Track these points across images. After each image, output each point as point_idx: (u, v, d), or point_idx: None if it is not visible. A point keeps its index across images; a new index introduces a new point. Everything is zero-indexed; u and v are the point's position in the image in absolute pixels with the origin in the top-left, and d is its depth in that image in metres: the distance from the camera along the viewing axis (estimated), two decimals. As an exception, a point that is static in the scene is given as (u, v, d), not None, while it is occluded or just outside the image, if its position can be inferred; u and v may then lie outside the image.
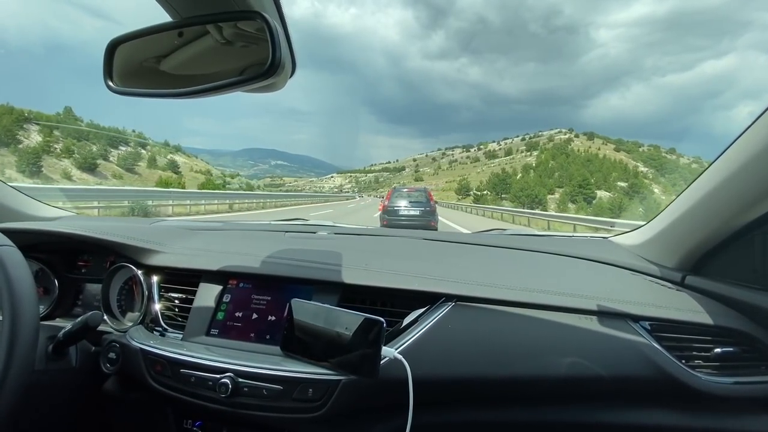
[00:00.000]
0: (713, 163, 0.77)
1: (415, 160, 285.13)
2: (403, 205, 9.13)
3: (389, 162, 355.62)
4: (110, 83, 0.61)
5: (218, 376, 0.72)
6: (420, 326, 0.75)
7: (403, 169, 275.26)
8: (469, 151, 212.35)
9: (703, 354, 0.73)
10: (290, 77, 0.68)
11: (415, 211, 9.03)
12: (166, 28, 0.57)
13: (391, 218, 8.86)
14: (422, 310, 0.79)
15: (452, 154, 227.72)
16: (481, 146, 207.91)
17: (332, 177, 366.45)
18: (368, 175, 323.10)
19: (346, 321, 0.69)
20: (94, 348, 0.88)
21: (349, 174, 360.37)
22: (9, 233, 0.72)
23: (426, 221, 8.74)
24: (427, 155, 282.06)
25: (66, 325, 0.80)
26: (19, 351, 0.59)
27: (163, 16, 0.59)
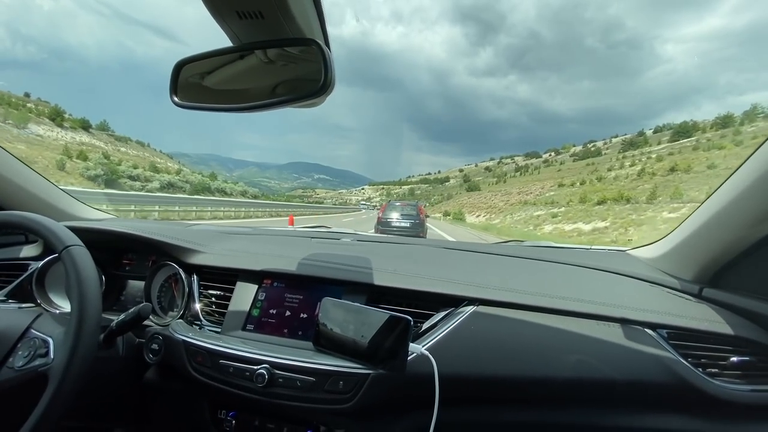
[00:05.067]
0: (729, 177, 0.80)
1: (461, 170, 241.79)
2: (395, 217, 9.95)
3: (429, 173, 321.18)
4: (175, 98, 0.69)
5: (255, 367, 0.78)
6: (444, 327, 0.79)
7: (447, 180, 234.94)
8: (540, 156, 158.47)
9: (719, 363, 0.75)
10: (329, 93, 0.77)
11: (405, 223, 9.82)
12: (228, 52, 0.65)
13: (384, 229, 9.62)
14: (446, 311, 0.84)
15: (513, 162, 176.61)
16: (562, 150, 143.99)
17: (362, 189, 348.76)
18: (403, 187, 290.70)
19: (375, 318, 0.74)
20: (138, 340, 0.95)
21: (381, 186, 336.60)
22: (73, 231, 0.80)
23: (416, 232, 9.60)
24: (476, 165, 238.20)
25: (112, 317, 0.87)
26: (83, 343, 0.66)
27: (223, 40, 0.67)
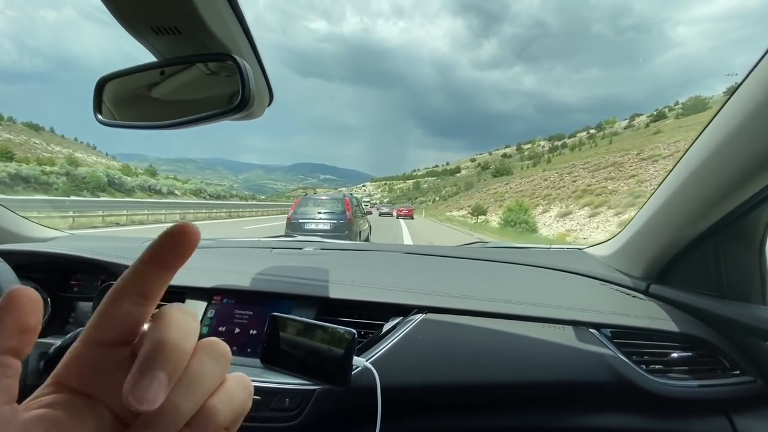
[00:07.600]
0: (667, 175, 0.82)
1: (474, 159, 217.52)
2: (311, 218, 7.53)
3: (436, 165, 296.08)
4: (99, 116, 0.67)
5: None
6: (392, 337, 0.79)
7: (458, 170, 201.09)
8: (575, 137, 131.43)
9: (662, 359, 0.77)
10: (268, 105, 0.76)
11: (325, 225, 7.39)
12: (150, 68, 0.64)
13: (295, 233, 7.01)
14: (395, 321, 0.83)
15: (540, 145, 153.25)
16: (606, 125, 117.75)
17: (363, 186, 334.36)
18: (408, 181, 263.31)
19: (321, 333, 0.73)
20: None
21: (383, 182, 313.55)
22: (4, 254, 0.77)
23: (341, 235, 7.05)
24: (491, 153, 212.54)
25: (56, 342, 0.84)
26: None
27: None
